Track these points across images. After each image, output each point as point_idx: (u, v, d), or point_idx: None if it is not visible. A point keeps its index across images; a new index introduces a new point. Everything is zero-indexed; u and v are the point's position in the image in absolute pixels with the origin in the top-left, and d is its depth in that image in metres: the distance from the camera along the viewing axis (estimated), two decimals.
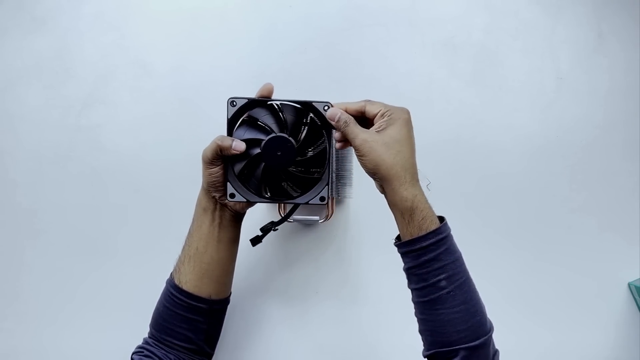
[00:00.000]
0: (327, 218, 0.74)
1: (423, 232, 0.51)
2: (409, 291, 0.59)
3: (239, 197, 0.58)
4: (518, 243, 0.78)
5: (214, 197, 0.59)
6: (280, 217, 0.66)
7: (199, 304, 0.58)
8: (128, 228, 0.77)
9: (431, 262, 0.51)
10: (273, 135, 0.56)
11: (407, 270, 0.54)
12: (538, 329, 0.77)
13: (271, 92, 0.58)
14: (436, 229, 0.52)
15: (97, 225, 0.77)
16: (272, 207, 0.76)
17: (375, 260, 0.77)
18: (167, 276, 0.61)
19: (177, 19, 0.79)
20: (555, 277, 0.78)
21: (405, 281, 0.56)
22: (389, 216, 0.74)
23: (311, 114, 0.58)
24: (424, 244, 0.51)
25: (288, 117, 0.57)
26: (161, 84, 0.78)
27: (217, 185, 0.58)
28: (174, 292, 0.58)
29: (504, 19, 0.79)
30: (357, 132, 0.53)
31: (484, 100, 0.79)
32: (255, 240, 0.66)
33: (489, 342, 0.52)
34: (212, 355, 0.63)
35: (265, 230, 0.65)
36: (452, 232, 0.77)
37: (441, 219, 0.54)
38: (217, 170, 0.57)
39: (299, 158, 0.58)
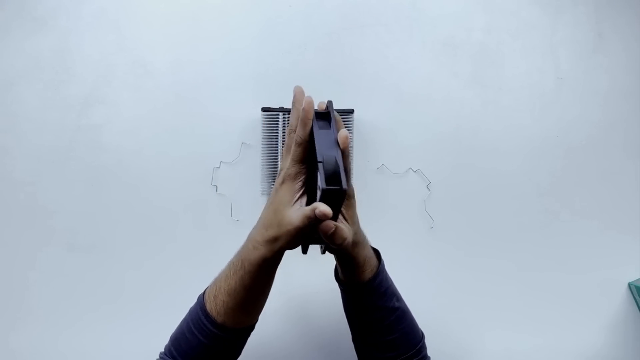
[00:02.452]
0: None
1: (377, 270, 0.56)
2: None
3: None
4: (518, 243, 0.78)
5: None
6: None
7: (246, 335, 0.56)
8: (128, 228, 0.77)
9: (387, 290, 0.58)
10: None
11: (369, 306, 0.57)
12: (538, 329, 0.77)
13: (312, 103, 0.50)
14: (382, 265, 0.58)
15: (96, 225, 0.77)
16: None
17: None
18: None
19: (177, 19, 0.79)
20: (555, 277, 0.78)
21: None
22: (387, 217, 0.74)
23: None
24: (380, 277, 0.57)
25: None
26: (161, 83, 0.78)
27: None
28: (221, 334, 0.53)
29: (504, 19, 0.79)
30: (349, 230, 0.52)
31: (484, 100, 0.79)
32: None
33: None
34: None
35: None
36: (453, 232, 0.78)
37: (375, 250, 0.59)
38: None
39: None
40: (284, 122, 0.76)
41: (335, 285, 0.62)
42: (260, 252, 0.50)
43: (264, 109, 0.76)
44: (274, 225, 0.49)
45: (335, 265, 0.60)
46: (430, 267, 0.77)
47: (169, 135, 0.78)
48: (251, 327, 0.56)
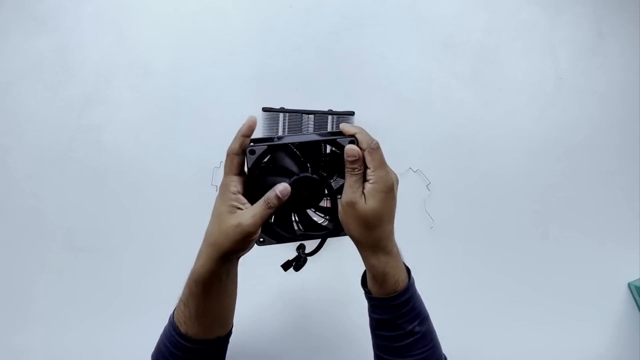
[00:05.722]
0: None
1: (400, 289, 0.52)
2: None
3: (268, 241, 0.56)
4: (518, 243, 0.78)
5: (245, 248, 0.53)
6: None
7: (219, 346, 0.55)
8: (128, 228, 0.77)
9: (408, 312, 0.53)
10: (296, 177, 0.53)
11: (383, 321, 0.54)
12: (538, 329, 0.77)
13: (254, 125, 0.53)
14: (409, 285, 0.53)
15: (96, 225, 0.77)
16: None
17: None
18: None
19: (177, 19, 0.79)
20: (555, 277, 0.78)
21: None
22: None
23: (330, 146, 0.54)
24: (403, 298, 0.52)
25: (306, 154, 0.54)
26: (161, 83, 0.78)
27: (253, 241, 0.53)
28: (188, 345, 0.52)
29: (504, 19, 0.79)
30: (347, 192, 0.52)
31: (484, 100, 0.79)
32: (287, 266, 0.63)
33: None
34: None
35: (297, 261, 0.62)
36: (453, 233, 0.78)
37: (407, 269, 0.55)
38: (258, 231, 0.52)
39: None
40: (284, 122, 0.76)
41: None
42: (204, 265, 0.51)
43: (265, 109, 0.76)
44: (217, 235, 0.51)
45: (364, 271, 0.57)
46: (430, 267, 0.77)
47: (169, 135, 0.78)
48: (220, 339, 0.55)
